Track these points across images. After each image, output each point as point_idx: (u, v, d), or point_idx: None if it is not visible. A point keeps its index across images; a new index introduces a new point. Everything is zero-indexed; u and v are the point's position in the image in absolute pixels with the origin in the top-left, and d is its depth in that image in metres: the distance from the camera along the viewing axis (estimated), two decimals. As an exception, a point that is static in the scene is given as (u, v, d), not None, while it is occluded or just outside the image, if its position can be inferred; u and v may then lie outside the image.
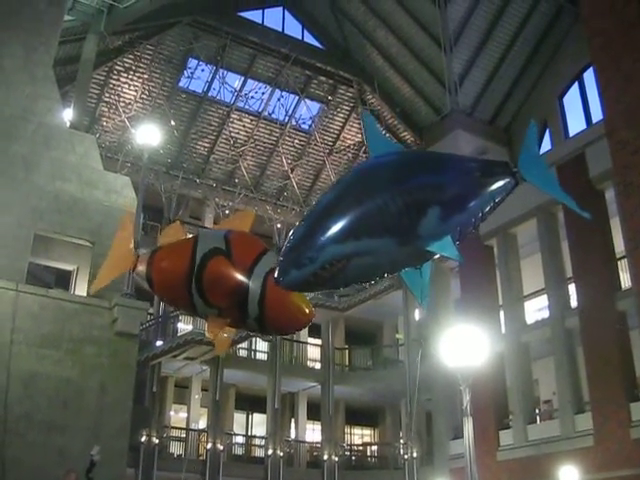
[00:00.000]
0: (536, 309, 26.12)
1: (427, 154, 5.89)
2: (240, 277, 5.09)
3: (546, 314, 24.89)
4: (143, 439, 26.74)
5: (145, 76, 32.63)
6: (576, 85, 30.57)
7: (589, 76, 29.47)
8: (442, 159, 5.76)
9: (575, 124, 30.09)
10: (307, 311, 5.09)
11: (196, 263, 5.26)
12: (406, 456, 29.52)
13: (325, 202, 4.93)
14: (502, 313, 25.93)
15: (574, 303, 23.68)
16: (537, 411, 25.38)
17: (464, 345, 12.86)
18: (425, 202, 4.97)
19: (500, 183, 5.42)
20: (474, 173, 5.41)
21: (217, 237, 5.43)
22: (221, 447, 28.75)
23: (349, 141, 37.84)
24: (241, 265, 5.13)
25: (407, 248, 4.91)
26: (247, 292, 4.99)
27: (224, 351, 5.85)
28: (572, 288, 23.98)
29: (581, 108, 29.94)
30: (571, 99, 30.77)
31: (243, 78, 34.90)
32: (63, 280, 23.65)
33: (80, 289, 21.67)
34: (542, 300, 25.25)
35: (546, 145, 31.05)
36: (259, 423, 33.63)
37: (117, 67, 32.32)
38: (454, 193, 5.13)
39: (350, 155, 38.14)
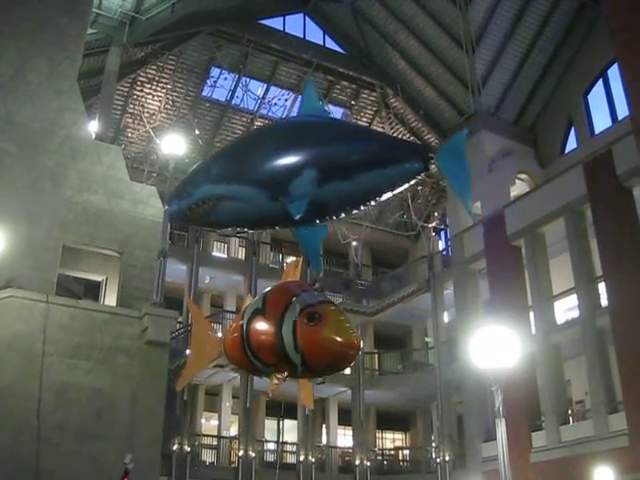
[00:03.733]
0: (566, 309, 25.88)
1: (338, 121, 6.01)
2: (272, 329, 5.12)
3: (576, 314, 24.65)
4: (175, 447, 26.83)
5: (168, 86, 32.84)
6: (600, 82, 30.33)
7: (614, 72, 29.24)
8: (348, 127, 5.95)
9: (601, 121, 29.85)
10: (345, 341, 4.98)
11: (244, 329, 5.41)
12: (438, 460, 29.37)
13: (221, 150, 5.57)
14: (532, 314, 25.72)
15: (604, 302, 23.42)
16: (570, 412, 25.14)
17: (495, 346, 12.78)
18: (303, 162, 5.07)
19: (406, 165, 5.29)
20: (372, 146, 5.34)
21: (258, 299, 5.53)
22: (253, 454, 28.76)
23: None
24: (272, 318, 5.17)
25: (277, 203, 5.07)
26: (283, 341, 5.01)
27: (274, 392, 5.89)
28: (602, 287, 23.73)
29: (606, 105, 29.69)
30: (596, 96, 30.51)
31: (266, 85, 35.04)
32: (92, 291, 23.86)
33: (109, 299, 21.83)
34: (572, 300, 25.01)
35: (572, 143, 30.83)
36: (290, 429, 33.62)
37: (140, 78, 32.57)
38: (338, 159, 5.14)
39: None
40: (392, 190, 5.36)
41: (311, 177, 5.04)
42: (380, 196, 5.34)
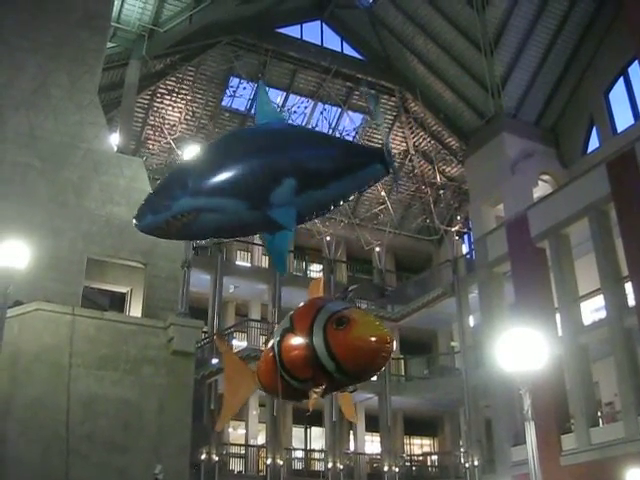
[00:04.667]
0: (593, 310, 25.63)
1: (303, 129, 6.22)
2: (303, 342, 5.11)
3: (603, 314, 24.41)
4: (203, 457, 26.87)
5: (188, 97, 33.02)
6: (621, 80, 30.08)
7: (634, 70, 29.07)
8: (315, 135, 6.05)
9: (623, 119, 29.60)
10: (377, 338, 4.94)
11: (275, 352, 5.41)
12: (467, 464, 29.21)
13: (192, 160, 5.44)
14: (558, 315, 25.51)
15: (631, 302, 23.18)
16: (599, 414, 24.89)
17: (522, 349, 12.68)
18: (282, 172, 5.19)
19: (369, 170, 5.60)
20: (342, 155, 5.59)
21: (286, 319, 5.55)
22: (280, 462, 28.76)
23: (394, 150, 37.76)
24: (302, 331, 5.17)
25: (257, 213, 5.19)
26: (316, 352, 4.99)
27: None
28: (629, 287, 23.50)
29: (628, 103, 29.45)
30: (617, 94, 30.27)
31: (285, 93, 35.13)
32: (118, 302, 23.98)
33: (135, 310, 21.93)
34: (598, 300, 24.77)
35: (594, 143, 30.60)
36: (317, 437, 33.59)
37: (160, 90, 32.78)
38: (315, 169, 5.34)
39: (396, 164, 38.03)
40: (355, 194, 5.77)
41: (291, 187, 5.18)
42: (346, 201, 5.65)
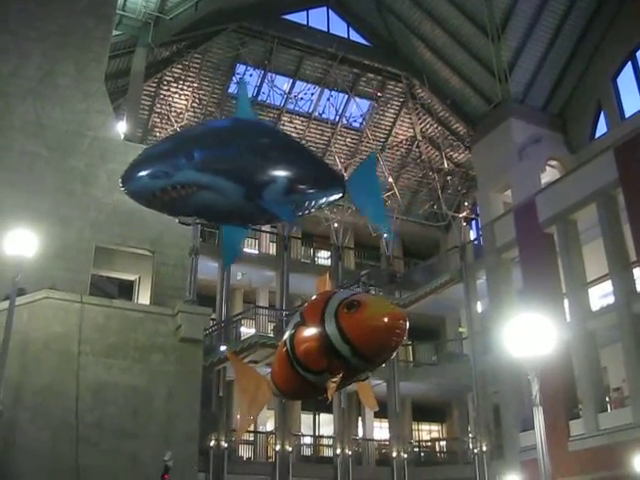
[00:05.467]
0: (601, 295, 25.57)
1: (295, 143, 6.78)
2: (315, 331, 5.09)
3: (611, 300, 24.36)
4: (212, 443, 26.97)
5: (195, 85, 32.99)
6: (629, 65, 29.88)
7: (643, 55, 28.88)
8: (299, 148, 6.65)
9: (631, 104, 29.41)
10: (390, 316, 4.87)
11: (288, 349, 5.39)
12: (475, 450, 29.23)
13: (199, 131, 5.68)
14: (566, 301, 25.47)
15: (640, 287, 23.16)
16: (607, 399, 24.88)
17: (530, 334, 12.67)
18: (277, 173, 5.56)
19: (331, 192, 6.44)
20: (313, 173, 6.15)
21: (296, 315, 5.55)
22: (289, 448, 28.84)
23: (401, 136, 37.71)
24: (314, 322, 5.15)
25: (248, 203, 5.35)
26: (329, 339, 4.96)
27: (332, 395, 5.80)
28: (637, 272, 23.44)
29: (636, 88, 29.27)
30: (625, 79, 30.08)
31: (292, 80, 35.06)
32: (126, 290, 24.07)
33: (143, 298, 22.01)
34: (607, 286, 24.71)
35: (602, 128, 30.45)
36: (326, 423, 33.66)
37: (167, 77, 32.75)
38: (301, 178, 5.83)
39: (403, 150, 38.00)
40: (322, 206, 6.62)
41: (283, 187, 5.51)
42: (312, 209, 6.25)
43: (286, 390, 5.77)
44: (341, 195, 6.48)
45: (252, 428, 31.32)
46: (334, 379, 5.02)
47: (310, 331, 5.11)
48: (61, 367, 17.29)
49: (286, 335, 5.42)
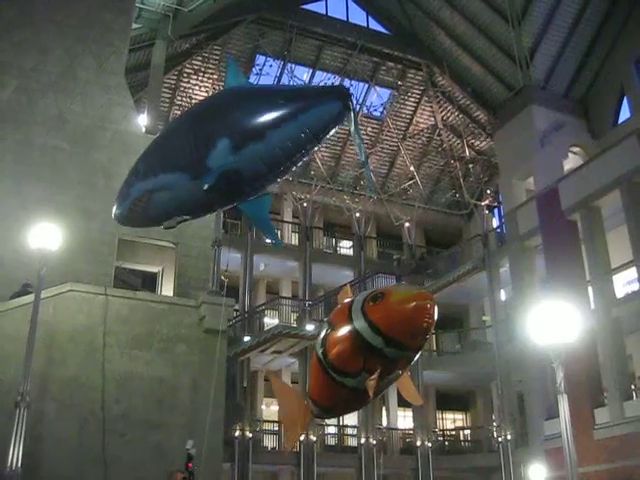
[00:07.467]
0: (625, 282, 25.37)
1: (248, 87, 5.85)
2: (345, 330, 5.09)
3: (636, 287, 24.17)
4: (237, 434, 27.14)
5: (215, 76, 33.02)
6: (652, 49, 29.56)
7: (666, 38, 28.52)
8: (258, 90, 6.10)
9: (654, 89, 29.10)
10: (417, 297, 4.86)
11: (321, 357, 5.40)
12: (500, 439, 29.20)
13: (156, 139, 6.14)
14: (590, 288, 25.30)
15: (665, 273, 22.92)
16: (633, 387, 24.70)
17: (554, 322, 12.61)
18: (213, 134, 5.27)
19: (318, 110, 5.39)
20: (284, 101, 5.44)
21: (324, 325, 5.56)
22: (314, 438, 28.95)
23: (422, 125, 37.54)
24: (342, 323, 5.17)
25: (200, 184, 5.33)
26: (360, 335, 4.95)
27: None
28: (662, 258, 23.23)
29: (660, 72, 28.96)
30: (648, 64, 29.75)
31: (311, 70, 35.00)
32: (149, 282, 24.20)
33: (166, 289, 22.12)
34: (631, 273, 24.51)
35: (625, 113, 30.14)
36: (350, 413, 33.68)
37: (187, 70, 32.82)
38: (249, 122, 5.29)
39: (424, 139, 37.84)
40: (316, 141, 5.51)
41: (225, 146, 5.25)
42: (305, 150, 5.54)
43: (326, 404, 5.75)
44: (342, 108, 5.49)
45: (276, 418, 31.48)
46: (372, 377, 5.00)
47: (340, 332, 5.11)
48: (87, 359, 17.44)
49: (317, 346, 5.42)
